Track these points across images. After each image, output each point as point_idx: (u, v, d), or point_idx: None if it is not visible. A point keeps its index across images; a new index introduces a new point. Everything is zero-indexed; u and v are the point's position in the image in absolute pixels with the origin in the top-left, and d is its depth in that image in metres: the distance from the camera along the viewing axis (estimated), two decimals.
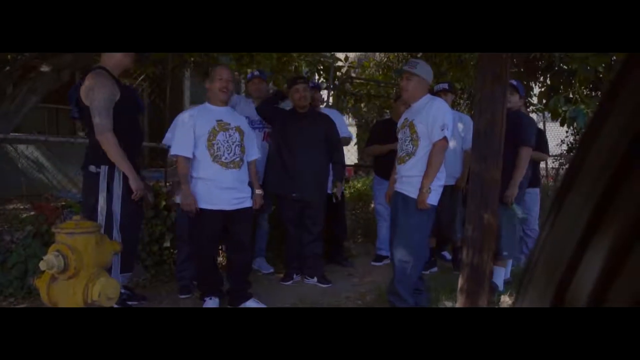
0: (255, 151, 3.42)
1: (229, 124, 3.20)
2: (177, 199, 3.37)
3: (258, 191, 3.44)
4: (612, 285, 0.36)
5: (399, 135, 3.34)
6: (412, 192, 3.16)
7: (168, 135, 3.64)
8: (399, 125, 3.39)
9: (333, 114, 4.35)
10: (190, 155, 3.11)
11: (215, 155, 3.12)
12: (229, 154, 3.15)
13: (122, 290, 2.81)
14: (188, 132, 3.12)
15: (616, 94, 0.39)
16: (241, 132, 3.25)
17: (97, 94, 2.85)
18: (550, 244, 0.44)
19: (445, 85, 4.29)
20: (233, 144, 3.18)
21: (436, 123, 3.16)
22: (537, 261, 0.46)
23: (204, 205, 3.11)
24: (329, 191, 4.14)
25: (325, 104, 5.64)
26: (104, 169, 2.91)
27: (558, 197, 0.44)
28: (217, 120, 3.16)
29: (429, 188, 3.13)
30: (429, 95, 3.33)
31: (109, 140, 2.85)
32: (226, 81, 3.16)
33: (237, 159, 3.20)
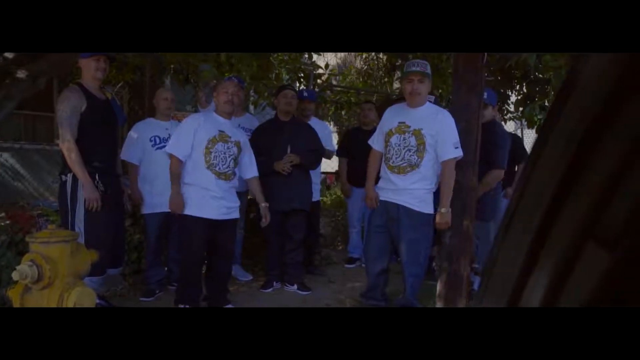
0: (254, 169, 3.48)
1: (230, 137, 3.24)
2: (144, 210, 3.60)
3: (264, 204, 3.48)
4: (560, 294, 0.37)
5: (393, 140, 3.15)
6: (416, 205, 3.10)
7: (125, 149, 3.66)
8: (391, 127, 3.18)
9: (323, 127, 4.39)
10: (182, 158, 3.15)
11: (210, 163, 3.15)
12: (223, 165, 3.18)
13: (98, 300, 2.78)
14: (188, 135, 3.16)
15: (561, 106, 0.41)
16: (239, 148, 3.30)
17: (60, 106, 3.01)
18: (502, 259, 0.46)
19: (432, 98, 4.24)
20: (229, 157, 3.22)
21: (449, 139, 3.00)
22: (491, 274, 0.48)
23: (193, 212, 3.13)
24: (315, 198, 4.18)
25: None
26: (69, 177, 3.00)
27: (508, 213, 0.45)
28: (220, 131, 3.20)
29: (449, 208, 3.03)
30: (429, 103, 3.22)
31: (66, 149, 2.96)
32: (232, 94, 3.21)
33: (230, 172, 3.23)
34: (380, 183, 3.29)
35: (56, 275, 2.16)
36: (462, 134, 2.93)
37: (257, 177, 3.50)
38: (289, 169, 3.76)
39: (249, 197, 4.46)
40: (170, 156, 3.17)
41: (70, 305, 2.15)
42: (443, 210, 3.03)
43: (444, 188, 3.04)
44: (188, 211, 3.13)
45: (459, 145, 3.01)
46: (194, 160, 3.16)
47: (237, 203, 3.34)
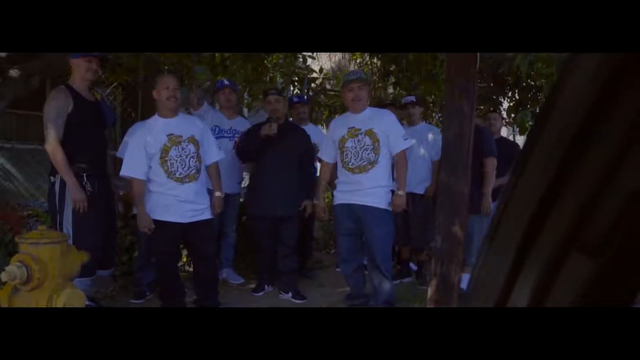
0: (214, 154, 3.29)
1: (181, 136, 3.10)
2: (135, 210, 3.45)
3: (217, 194, 3.33)
4: (544, 301, 0.38)
5: (348, 144, 3.29)
6: (380, 203, 3.26)
7: (122, 148, 3.62)
8: (342, 134, 3.34)
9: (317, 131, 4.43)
10: (142, 177, 3.06)
11: (169, 171, 3.05)
12: (182, 168, 3.08)
13: (88, 302, 2.77)
14: (139, 152, 3.06)
15: (547, 114, 0.41)
16: (195, 142, 3.14)
17: (46, 107, 3.04)
18: (489, 265, 0.46)
19: (413, 98, 4.35)
20: (187, 157, 3.09)
21: (398, 132, 3.31)
22: (477, 281, 0.48)
23: (159, 216, 3.07)
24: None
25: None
26: (58, 178, 3.00)
27: (494, 220, 0.46)
28: (168, 135, 3.07)
29: (405, 192, 3.32)
30: (369, 107, 3.44)
31: (51, 150, 2.97)
32: (173, 90, 3.06)
33: (193, 172, 3.11)
34: (341, 187, 3.41)
35: (45, 277, 2.15)
36: (455, 138, 2.95)
37: (216, 163, 3.32)
38: (275, 130, 3.65)
39: (241, 200, 4.45)
40: (131, 178, 3.10)
41: (59, 306, 2.14)
42: (400, 192, 3.27)
43: (401, 176, 3.31)
44: (153, 215, 3.07)
45: (408, 136, 3.36)
46: (153, 172, 3.08)
47: (206, 204, 3.22)
